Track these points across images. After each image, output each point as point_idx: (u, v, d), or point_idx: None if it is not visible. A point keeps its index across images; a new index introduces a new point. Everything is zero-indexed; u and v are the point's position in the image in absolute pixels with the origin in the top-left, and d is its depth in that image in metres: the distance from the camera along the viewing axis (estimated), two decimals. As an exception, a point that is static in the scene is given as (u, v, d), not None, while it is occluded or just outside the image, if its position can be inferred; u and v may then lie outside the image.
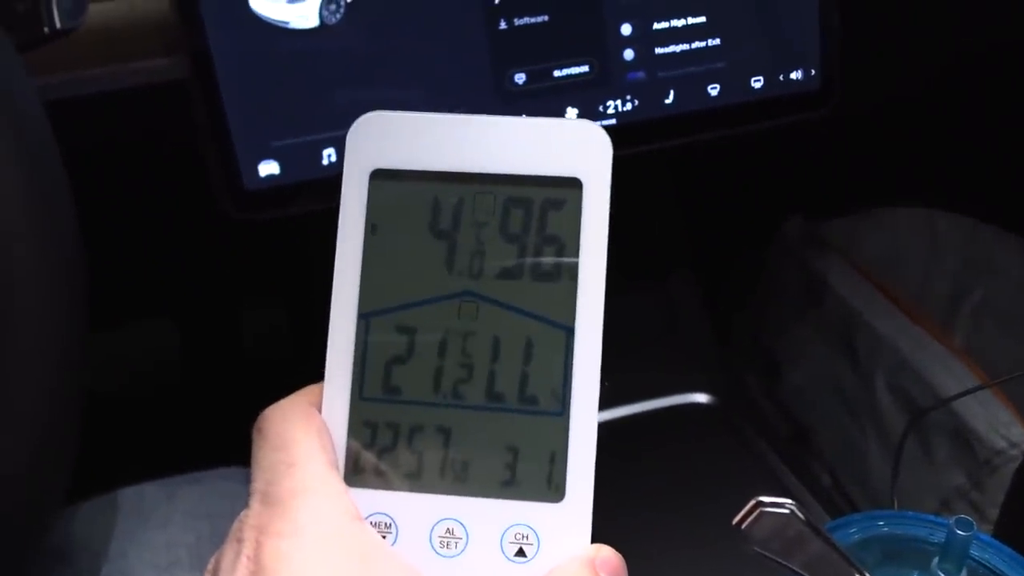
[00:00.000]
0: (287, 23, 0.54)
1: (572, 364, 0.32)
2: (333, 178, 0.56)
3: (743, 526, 0.30)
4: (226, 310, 0.96)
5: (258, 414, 0.32)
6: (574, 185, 0.32)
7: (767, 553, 0.30)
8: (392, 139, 0.33)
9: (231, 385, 0.93)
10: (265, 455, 0.30)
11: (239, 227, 0.57)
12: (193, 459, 0.60)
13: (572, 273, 0.32)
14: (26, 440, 0.40)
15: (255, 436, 0.31)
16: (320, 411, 0.32)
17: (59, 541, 0.54)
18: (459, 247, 0.32)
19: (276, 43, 0.54)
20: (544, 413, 0.32)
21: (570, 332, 0.32)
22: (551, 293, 0.32)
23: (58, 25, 0.45)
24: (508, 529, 0.31)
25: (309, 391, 0.32)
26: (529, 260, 0.32)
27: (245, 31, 0.53)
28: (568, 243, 0.32)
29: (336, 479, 0.31)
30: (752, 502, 0.31)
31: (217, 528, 0.54)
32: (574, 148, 0.32)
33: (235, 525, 0.31)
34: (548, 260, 0.32)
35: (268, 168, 0.55)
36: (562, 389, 0.31)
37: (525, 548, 0.31)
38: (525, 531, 0.31)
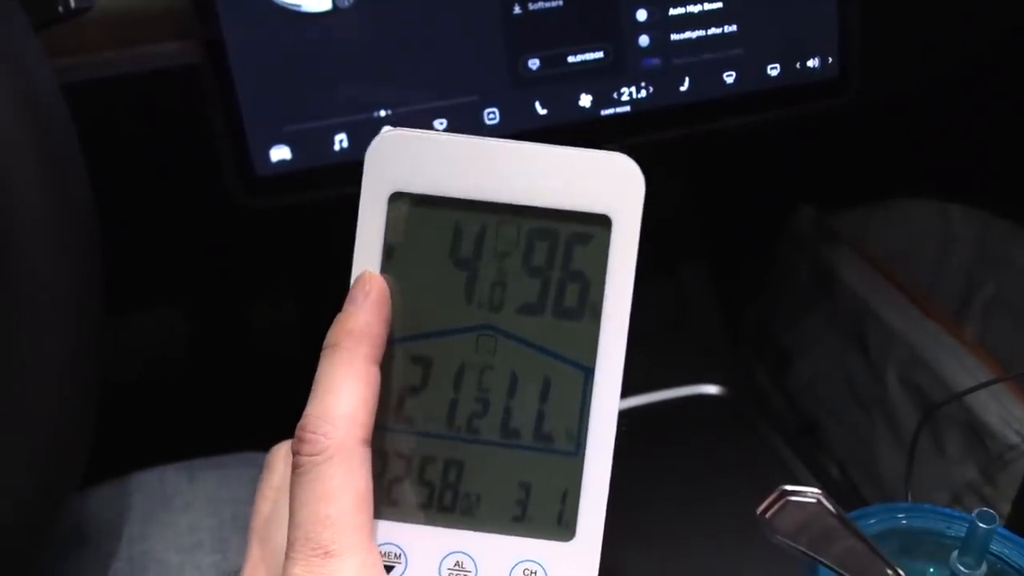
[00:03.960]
0: (299, 6, 0.53)
1: (590, 405, 0.31)
2: (344, 164, 0.56)
3: (767, 515, 0.30)
4: (235, 301, 0.96)
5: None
6: (602, 222, 0.31)
7: (791, 543, 0.30)
8: (413, 161, 0.32)
9: (238, 377, 0.93)
10: (307, 502, 0.29)
11: (251, 216, 0.57)
12: (199, 449, 0.60)
13: (595, 312, 0.31)
14: (45, 424, 0.40)
15: (296, 464, 0.30)
16: (367, 441, 0.30)
17: (81, 522, 0.54)
18: (479, 278, 0.32)
19: (288, 27, 0.53)
20: (558, 452, 0.31)
21: (589, 373, 0.31)
22: (572, 332, 0.31)
23: (72, 4, 0.45)
24: (517, 565, 0.31)
25: (355, 417, 0.30)
26: (551, 296, 0.31)
27: (258, 14, 0.53)
28: (593, 281, 0.31)
29: (369, 547, 0.30)
30: (777, 491, 0.30)
31: (239, 513, 0.54)
32: (605, 182, 0.31)
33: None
34: (571, 297, 0.31)
35: (280, 153, 0.55)
36: (578, 429, 0.31)
37: None
38: (534, 567, 0.31)
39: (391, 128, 0.32)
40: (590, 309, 0.31)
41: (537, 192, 0.31)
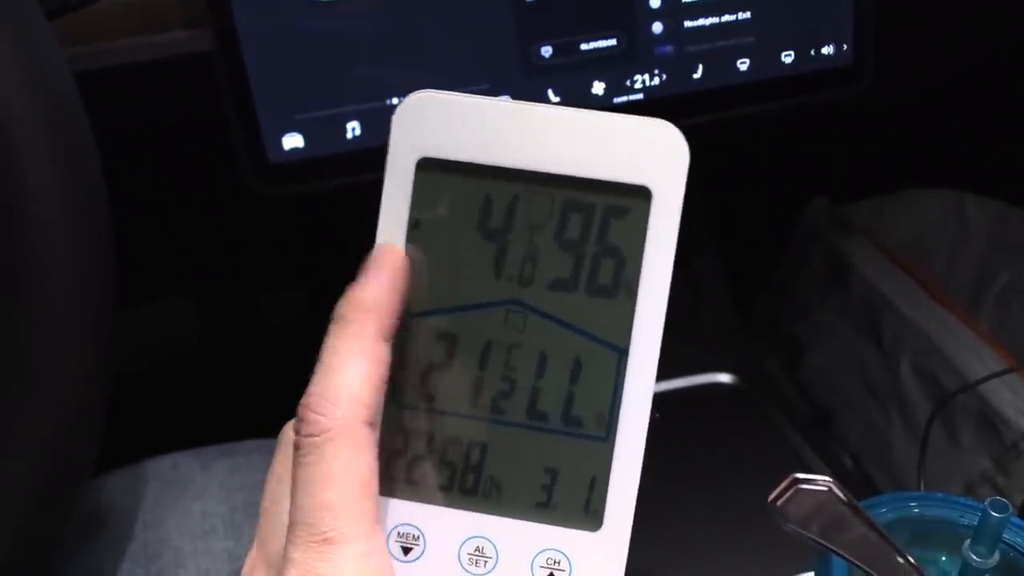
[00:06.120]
0: (312, -7, 0.53)
1: (622, 387, 0.29)
2: (357, 152, 0.56)
3: (779, 503, 0.30)
4: (247, 291, 0.96)
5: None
6: (642, 194, 0.29)
7: (802, 531, 0.30)
8: (443, 125, 0.30)
9: (250, 367, 0.93)
10: (308, 483, 0.28)
11: (263, 205, 0.57)
12: (212, 439, 0.60)
13: (631, 290, 0.29)
14: (57, 412, 0.40)
15: (298, 443, 0.29)
16: (372, 422, 0.29)
17: (96, 509, 0.54)
18: (509, 251, 0.30)
19: (301, 13, 0.53)
20: (588, 436, 0.30)
21: (623, 353, 0.29)
22: (606, 310, 0.29)
23: (84, -8, 0.45)
24: (540, 553, 0.30)
25: (360, 397, 0.29)
26: (585, 272, 0.30)
27: (270, 1, 0.53)
28: (630, 257, 0.29)
29: (372, 530, 0.29)
30: (789, 479, 0.30)
31: (251, 499, 0.54)
32: (646, 151, 0.29)
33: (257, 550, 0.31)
34: (606, 274, 0.30)
35: (292, 141, 0.55)
36: (609, 413, 0.29)
37: (556, 574, 0.30)
38: (558, 556, 0.30)
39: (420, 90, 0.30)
40: (625, 287, 0.29)
41: (573, 160, 0.30)
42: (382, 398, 0.29)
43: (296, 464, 0.29)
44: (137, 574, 0.52)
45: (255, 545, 0.33)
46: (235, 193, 0.56)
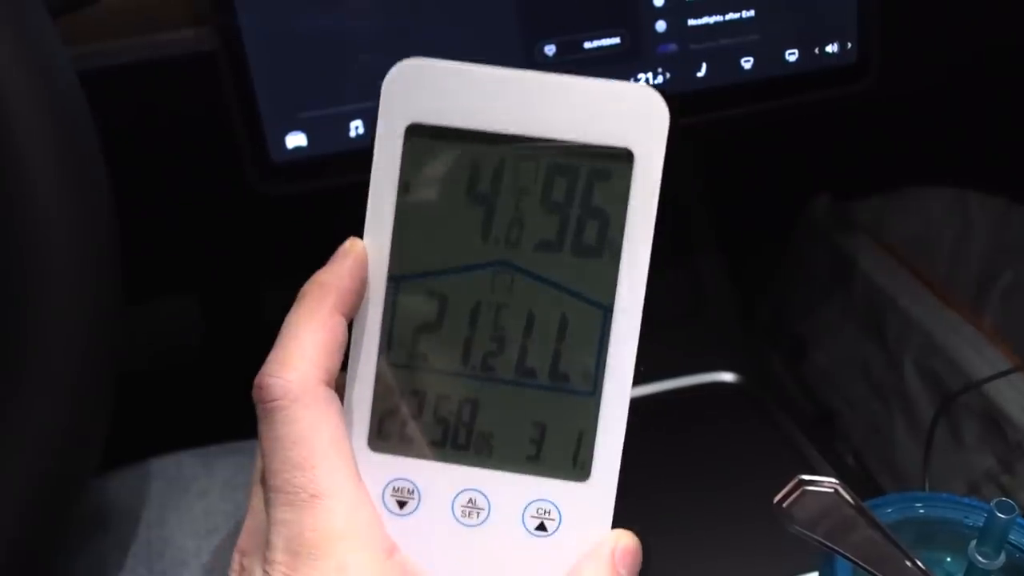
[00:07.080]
0: (315, -8, 0.53)
1: (607, 344, 0.30)
2: (361, 151, 0.56)
3: (784, 505, 0.30)
4: (250, 289, 0.96)
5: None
6: (625, 157, 0.30)
7: (808, 533, 0.30)
8: (431, 92, 0.31)
9: (253, 366, 0.92)
10: (279, 449, 0.29)
11: (266, 204, 0.57)
12: (215, 437, 0.60)
13: (615, 250, 0.30)
14: (62, 407, 0.40)
15: (261, 413, 0.29)
16: (330, 383, 0.30)
17: (99, 508, 0.54)
18: (497, 214, 0.31)
19: (303, 11, 0.53)
20: (575, 392, 0.31)
21: (608, 311, 0.30)
22: (591, 269, 0.31)
23: (89, -10, 0.45)
24: (531, 503, 0.31)
25: (314, 359, 0.30)
26: (570, 233, 0.31)
27: (273, 0, 0.53)
28: (613, 218, 0.30)
29: (357, 484, 0.30)
30: (795, 480, 0.30)
31: None
32: (628, 115, 0.30)
33: (248, 533, 0.31)
34: (590, 234, 0.31)
35: (295, 140, 0.55)
36: (595, 369, 0.31)
37: (546, 523, 0.31)
38: (547, 507, 0.31)
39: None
40: (610, 246, 0.30)
41: (558, 125, 0.31)
42: (338, 363, 0.30)
43: (263, 432, 0.29)
44: (140, 573, 0.52)
45: (249, 514, 0.33)
46: (238, 192, 0.56)
